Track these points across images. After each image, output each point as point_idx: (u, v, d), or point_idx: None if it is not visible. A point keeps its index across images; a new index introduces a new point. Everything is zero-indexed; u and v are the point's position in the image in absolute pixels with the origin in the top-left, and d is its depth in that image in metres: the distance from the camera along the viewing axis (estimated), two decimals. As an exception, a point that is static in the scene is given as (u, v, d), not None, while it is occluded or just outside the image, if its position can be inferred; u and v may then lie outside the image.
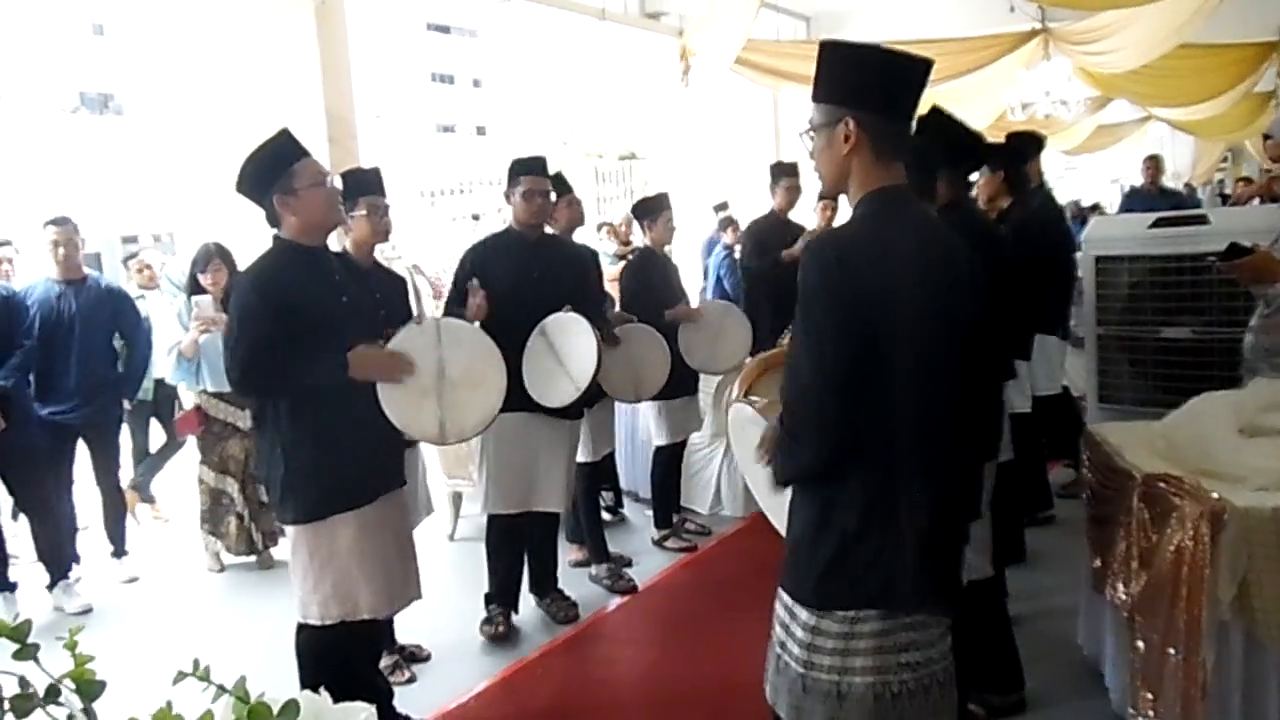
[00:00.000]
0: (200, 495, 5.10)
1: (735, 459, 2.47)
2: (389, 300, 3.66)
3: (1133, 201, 7.99)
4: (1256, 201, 4.59)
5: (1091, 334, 4.32)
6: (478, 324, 3.52)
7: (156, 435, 6.09)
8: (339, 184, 3.07)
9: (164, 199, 32.35)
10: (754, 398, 2.30)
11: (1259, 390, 2.81)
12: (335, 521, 2.75)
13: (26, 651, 0.71)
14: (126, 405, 5.13)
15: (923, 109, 2.35)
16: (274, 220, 2.80)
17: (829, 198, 1.89)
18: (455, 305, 3.78)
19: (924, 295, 1.82)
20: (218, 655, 3.84)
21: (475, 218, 17.91)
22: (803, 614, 1.95)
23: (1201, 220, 4.00)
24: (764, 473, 2.37)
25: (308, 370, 2.70)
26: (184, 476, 6.04)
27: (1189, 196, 12.19)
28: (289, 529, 2.80)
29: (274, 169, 2.73)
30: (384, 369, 2.83)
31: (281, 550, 5.17)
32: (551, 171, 4.02)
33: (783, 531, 2.36)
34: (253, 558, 5.13)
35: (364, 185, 3.60)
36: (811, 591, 1.94)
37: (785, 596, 2.01)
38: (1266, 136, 3.27)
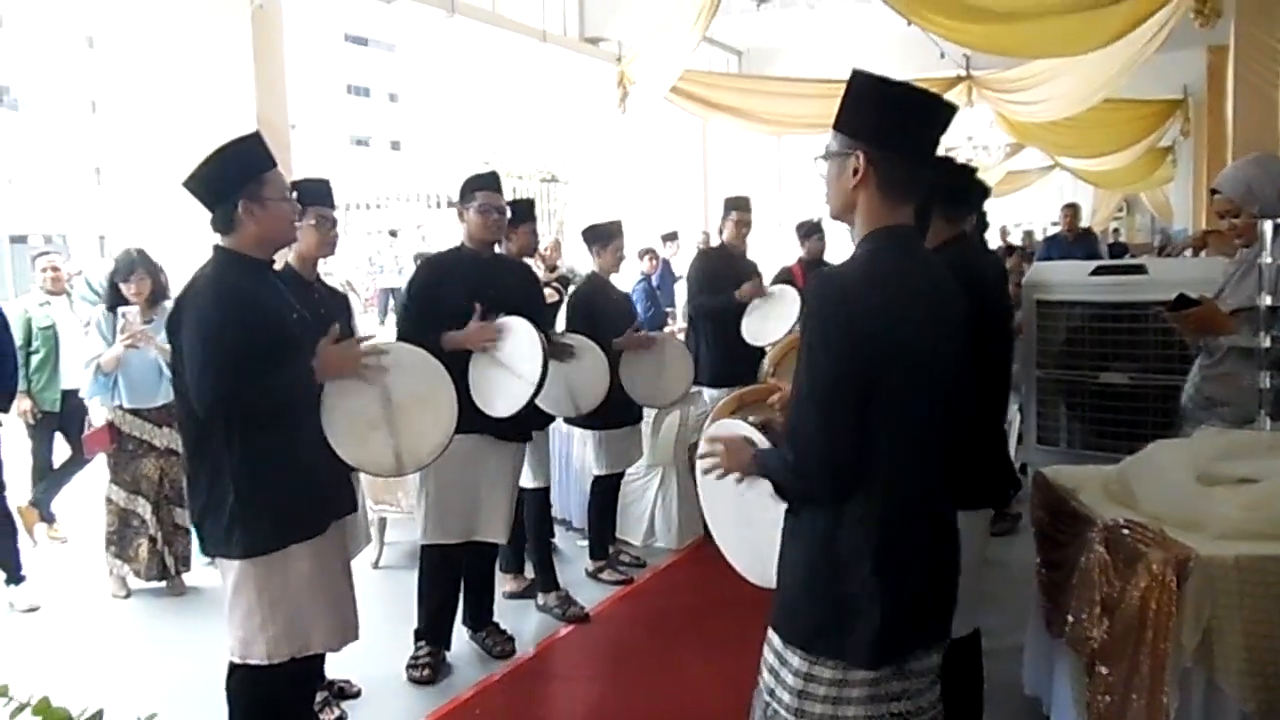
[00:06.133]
0: (108, 516, 4.79)
1: (701, 485, 2.35)
2: (333, 317, 3.50)
3: (1051, 247, 8.28)
4: (1190, 253, 4.80)
5: (1030, 376, 4.40)
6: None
7: (61, 450, 5.73)
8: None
9: (59, 199, 31.02)
10: (751, 418, 2.24)
11: (1210, 439, 2.87)
12: (290, 552, 2.59)
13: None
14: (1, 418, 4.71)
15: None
16: (225, 226, 2.63)
17: (837, 219, 1.87)
18: (423, 324, 3.62)
19: (925, 336, 1.83)
20: (129, 691, 3.59)
21: (393, 233, 17.60)
22: (794, 660, 1.89)
23: (1140, 270, 4.12)
24: (727, 504, 2.31)
25: (278, 385, 2.55)
26: (85, 494, 5.70)
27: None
28: (232, 563, 2.60)
29: (244, 173, 2.58)
30: (351, 361, 2.72)
31: (194, 577, 4.90)
32: (519, 195, 3.96)
33: (735, 563, 2.33)
34: (163, 583, 4.84)
35: (314, 195, 3.47)
36: (807, 636, 1.88)
37: (775, 640, 1.95)
38: (1214, 191, 3.37)
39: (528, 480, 4.42)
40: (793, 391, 1.84)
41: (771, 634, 1.96)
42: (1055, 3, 5.85)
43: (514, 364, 3.61)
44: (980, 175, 3.15)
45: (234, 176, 2.58)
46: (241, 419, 2.52)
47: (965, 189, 2.95)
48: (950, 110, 1.90)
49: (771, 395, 2.61)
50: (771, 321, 5.01)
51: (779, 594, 1.96)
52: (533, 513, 4.52)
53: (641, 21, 8.20)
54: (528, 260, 4.52)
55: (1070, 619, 2.74)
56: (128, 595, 4.85)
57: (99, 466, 4.97)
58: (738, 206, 5.30)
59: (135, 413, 4.70)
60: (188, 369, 2.49)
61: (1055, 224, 11.67)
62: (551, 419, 4.47)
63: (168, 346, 2.76)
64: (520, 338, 3.62)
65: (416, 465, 2.92)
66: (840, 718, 1.86)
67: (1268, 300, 2.98)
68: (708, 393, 5.26)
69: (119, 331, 4.55)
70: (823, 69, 9.30)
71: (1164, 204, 18.19)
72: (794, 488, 1.87)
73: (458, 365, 3.43)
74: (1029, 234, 16.39)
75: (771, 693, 1.95)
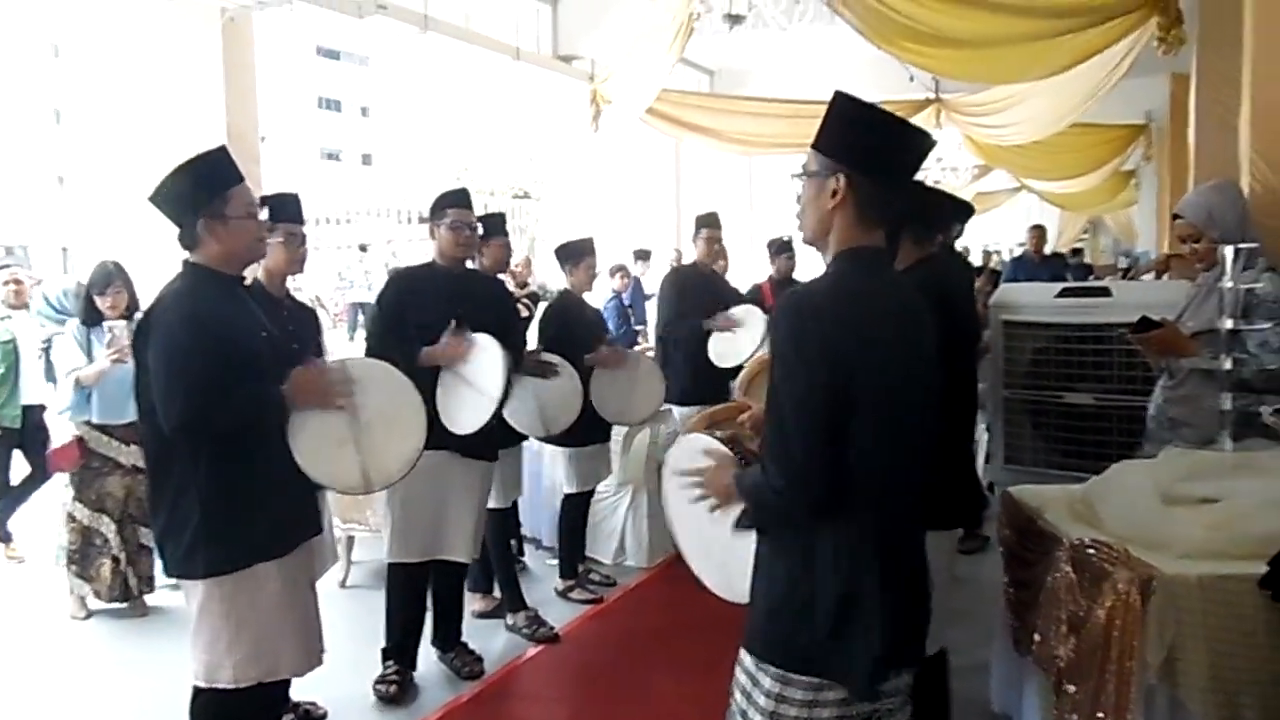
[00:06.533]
0: (69, 534, 4.68)
1: (667, 498, 2.36)
2: (302, 334, 3.52)
3: (1017, 268, 8.40)
4: (1151, 276, 4.91)
5: (998, 396, 4.45)
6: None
7: (19, 467, 5.62)
8: (265, 214, 2.89)
9: (21, 209, 30.53)
10: (719, 433, 2.24)
11: (1174, 460, 2.91)
12: (257, 572, 2.55)
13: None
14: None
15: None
16: (190, 243, 2.61)
17: (809, 244, 1.90)
18: (392, 339, 3.62)
19: (894, 356, 1.84)
20: (88, 716, 3.51)
21: (363, 248, 17.51)
22: (766, 681, 1.89)
23: (1104, 292, 4.19)
24: (696, 518, 2.30)
25: (245, 404, 2.52)
26: (43, 512, 5.59)
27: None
28: (197, 584, 2.55)
29: (207, 190, 2.55)
30: (326, 392, 2.68)
31: (157, 597, 4.81)
32: (490, 210, 3.96)
33: (704, 578, 2.33)
34: (124, 604, 4.74)
35: (283, 211, 3.45)
36: (782, 653, 1.88)
37: (748, 660, 1.94)
38: (1175, 216, 3.44)
39: (489, 500, 4.41)
40: (767, 414, 1.84)
41: (744, 654, 1.96)
42: (1016, 32, 5.96)
43: (476, 380, 3.60)
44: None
45: (196, 194, 2.55)
46: (209, 438, 2.48)
47: (937, 210, 2.99)
48: (930, 143, 1.94)
49: (742, 414, 2.62)
50: (737, 343, 5.02)
51: (753, 612, 1.95)
52: (494, 533, 4.46)
53: (615, 41, 8.25)
54: (501, 276, 4.51)
55: (1037, 637, 2.76)
56: (88, 616, 4.75)
57: (58, 484, 4.87)
58: (708, 224, 5.30)
59: (103, 429, 4.60)
60: (155, 387, 2.45)
61: (1022, 244, 11.84)
62: (519, 439, 4.45)
63: None
64: (483, 354, 3.61)
65: (385, 483, 2.90)
66: (811, 739, 1.86)
67: (1228, 323, 3.04)
68: (677, 411, 5.26)
69: (106, 345, 4.44)
70: (794, 90, 9.39)
71: (1128, 226, 18.50)
72: (775, 509, 1.86)
73: (426, 381, 3.42)
74: (988, 253, 16.62)
75: (743, 713, 1.94)
